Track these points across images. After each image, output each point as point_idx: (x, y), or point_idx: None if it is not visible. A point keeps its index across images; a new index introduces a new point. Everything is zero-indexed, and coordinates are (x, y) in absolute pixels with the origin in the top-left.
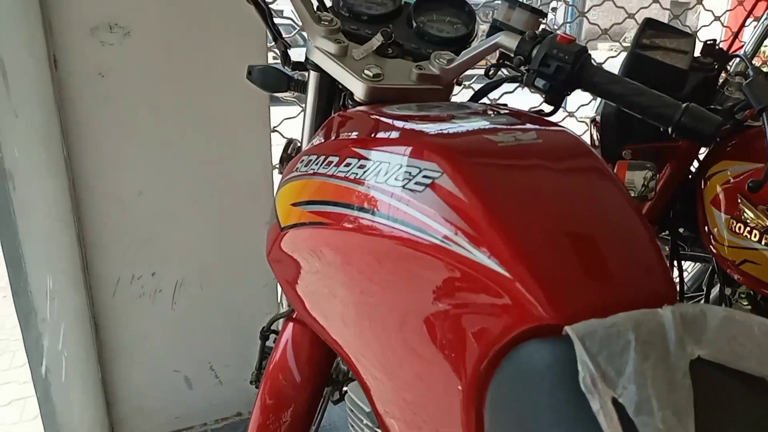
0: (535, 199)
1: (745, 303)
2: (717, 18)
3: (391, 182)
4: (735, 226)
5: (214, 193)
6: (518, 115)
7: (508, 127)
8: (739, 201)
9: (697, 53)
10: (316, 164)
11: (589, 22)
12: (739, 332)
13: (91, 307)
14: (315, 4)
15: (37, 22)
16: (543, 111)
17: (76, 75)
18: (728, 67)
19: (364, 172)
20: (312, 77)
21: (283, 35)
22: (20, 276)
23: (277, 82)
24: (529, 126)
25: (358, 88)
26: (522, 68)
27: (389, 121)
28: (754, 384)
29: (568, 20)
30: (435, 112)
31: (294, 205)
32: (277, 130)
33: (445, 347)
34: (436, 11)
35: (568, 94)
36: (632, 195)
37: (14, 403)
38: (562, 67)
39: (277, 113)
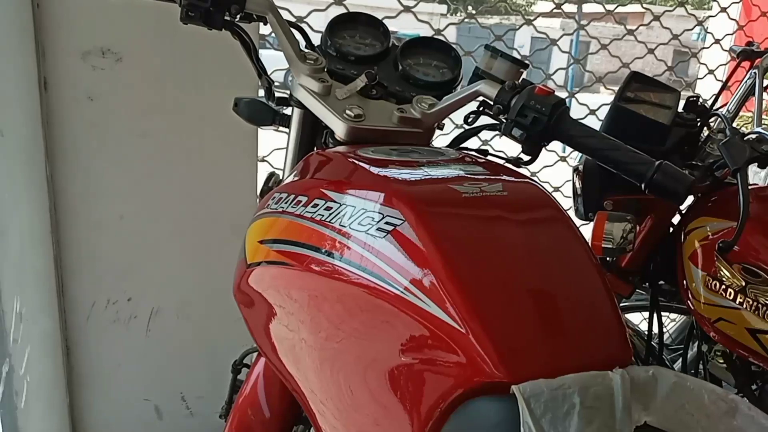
0: (494, 252)
1: (720, 361)
2: (711, 71)
3: (355, 226)
4: (711, 284)
5: (196, 222)
6: (490, 165)
7: (476, 176)
8: (716, 259)
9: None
10: (285, 203)
11: (584, 70)
12: (689, 400)
13: (64, 331)
14: (302, 42)
15: (29, 43)
16: (521, 159)
17: (65, 98)
18: (711, 124)
19: (330, 214)
20: (296, 113)
21: (268, 71)
22: None
23: (262, 115)
24: (497, 176)
25: (338, 127)
26: (501, 117)
27: (360, 164)
28: None
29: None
30: (408, 157)
31: (261, 242)
32: (266, 160)
33: (401, 398)
34: (423, 55)
35: (545, 145)
36: (610, 246)
37: None
38: (538, 119)
39: (273, 140)
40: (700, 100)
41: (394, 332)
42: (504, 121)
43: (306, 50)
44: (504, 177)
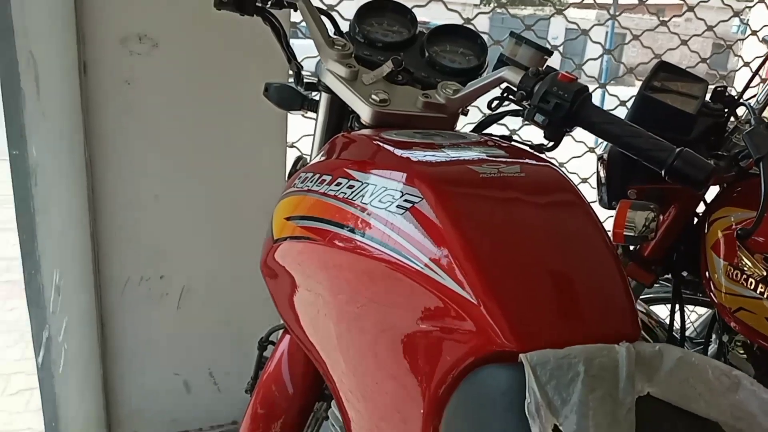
0: (508, 230)
1: (741, 351)
2: (746, 64)
3: (376, 203)
4: (733, 273)
5: (228, 204)
6: (510, 149)
7: (495, 159)
8: (738, 248)
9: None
10: (311, 182)
11: (617, 61)
12: (693, 374)
13: (99, 305)
14: (331, 29)
15: (71, 29)
16: (545, 145)
17: (103, 82)
18: (739, 114)
19: (352, 192)
20: (323, 98)
21: (298, 58)
22: (32, 268)
23: (291, 100)
24: (516, 159)
25: (364, 111)
26: (524, 103)
27: (383, 145)
28: (700, 425)
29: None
30: (430, 139)
31: (287, 219)
32: (295, 146)
33: (417, 363)
34: (450, 42)
35: (568, 131)
36: (631, 234)
37: (21, 392)
38: (560, 105)
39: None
40: (728, 90)
41: (412, 302)
42: (527, 106)
43: (334, 36)
44: (523, 160)
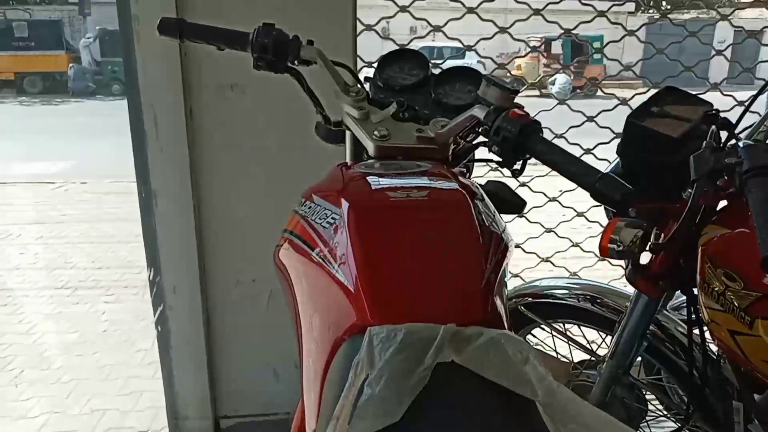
0: (393, 239)
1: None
2: None
3: (317, 220)
4: (705, 287)
5: None
6: (441, 177)
7: (413, 186)
8: (706, 262)
9: None
10: (298, 202)
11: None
12: (495, 349)
13: (205, 304)
14: (351, 79)
15: (178, 82)
16: (517, 170)
17: (205, 123)
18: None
19: (310, 211)
20: (347, 134)
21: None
22: (157, 273)
23: (334, 136)
24: (433, 186)
25: (369, 145)
26: (487, 136)
27: (338, 175)
28: (486, 386)
29: None
30: (384, 170)
31: (283, 231)
32: None
33: (324, 332)
34: (459, 82)
35: (519, 159)
36: (615, 248)
37: (132, 394)
38: (508, 138)
39: None
40: (720, 113)
41: (325, 290)
42: (489, 139)
43: (350, 84)
44: (439, 186)
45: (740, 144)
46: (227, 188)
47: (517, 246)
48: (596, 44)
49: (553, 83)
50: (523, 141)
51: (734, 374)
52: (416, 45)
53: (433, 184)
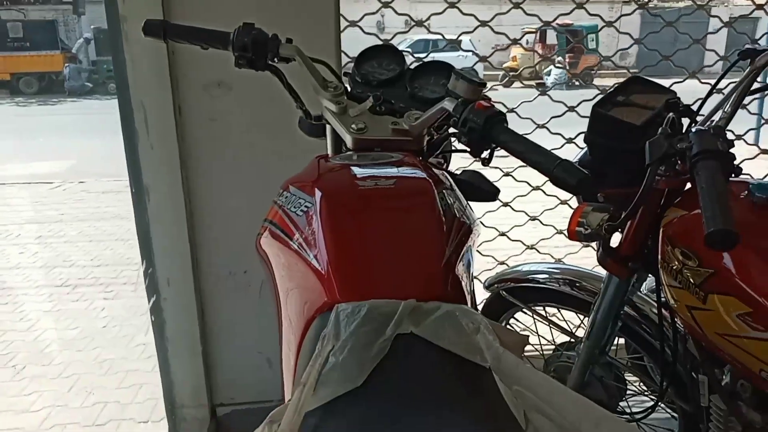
0: (363, 224)
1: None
2: None
3: (292, 208)
4: (666, 267)
5: None
6: (410, 167)
7: (381, 175)
8: (666, 242)
9: None
10: (278, 192)
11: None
12: (450, 322)
13: (199, 294)
14: (330, 75)
15: (167, 80)
16: (485, 159)
17: (193, 119)
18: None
19: (286, 200)
20: (328, 128)
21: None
22: (150, 266)
23: (316, 130)
24: (400, 175)
25: (347, 138)
26: (457, 127)
27: (317, 166)
28: (441, 355)
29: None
30: (358, 161)
31: (264, 220)
32: None
33: (299, 309)
34: (434, 75)
35: (487, 149)
36: (582, 231)
37: (132, 387)
38: (474, 128)
39: None
40: (681, 101)
41: (299, 272)
42: (458, 130)
43: (328, 80)
44: (406, 174)
45: (692, 130)
46: (217, 182)
47: (503, 234)
48: (591, 36)
49: (548, 74)
50: (488, 131)
51: (696, 349)
52: (412, 38)
53: (401, 173)
